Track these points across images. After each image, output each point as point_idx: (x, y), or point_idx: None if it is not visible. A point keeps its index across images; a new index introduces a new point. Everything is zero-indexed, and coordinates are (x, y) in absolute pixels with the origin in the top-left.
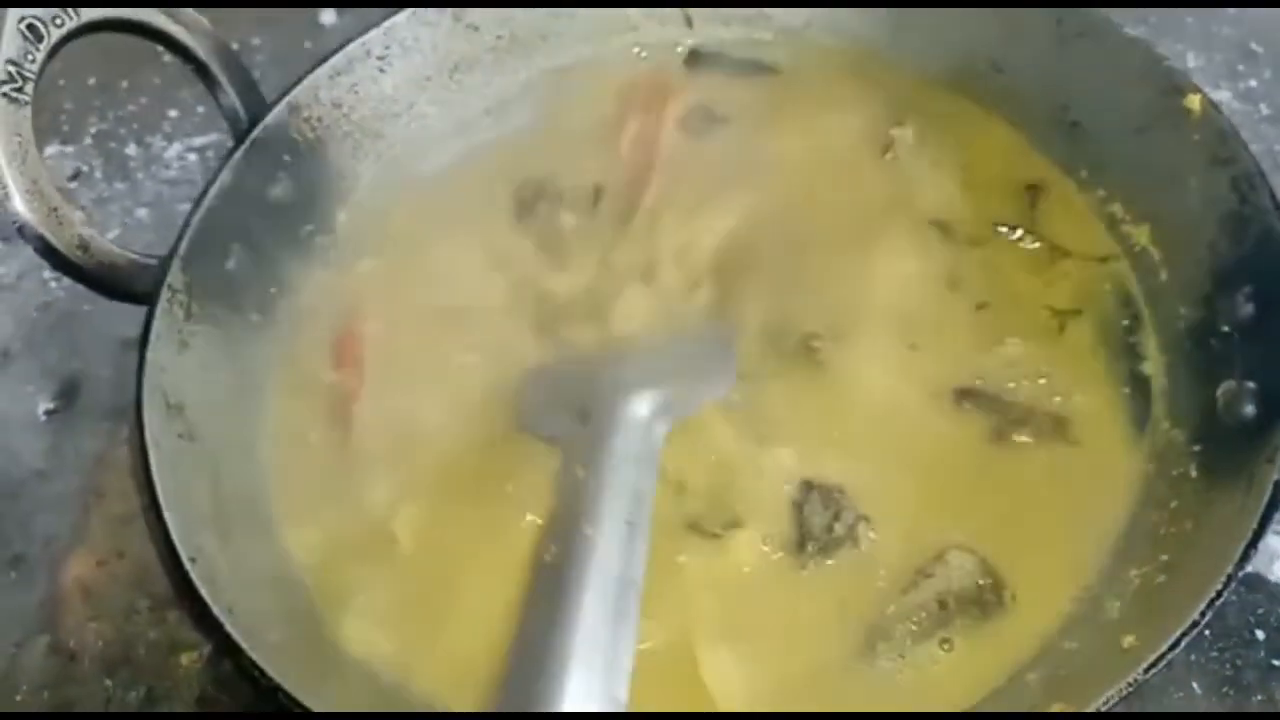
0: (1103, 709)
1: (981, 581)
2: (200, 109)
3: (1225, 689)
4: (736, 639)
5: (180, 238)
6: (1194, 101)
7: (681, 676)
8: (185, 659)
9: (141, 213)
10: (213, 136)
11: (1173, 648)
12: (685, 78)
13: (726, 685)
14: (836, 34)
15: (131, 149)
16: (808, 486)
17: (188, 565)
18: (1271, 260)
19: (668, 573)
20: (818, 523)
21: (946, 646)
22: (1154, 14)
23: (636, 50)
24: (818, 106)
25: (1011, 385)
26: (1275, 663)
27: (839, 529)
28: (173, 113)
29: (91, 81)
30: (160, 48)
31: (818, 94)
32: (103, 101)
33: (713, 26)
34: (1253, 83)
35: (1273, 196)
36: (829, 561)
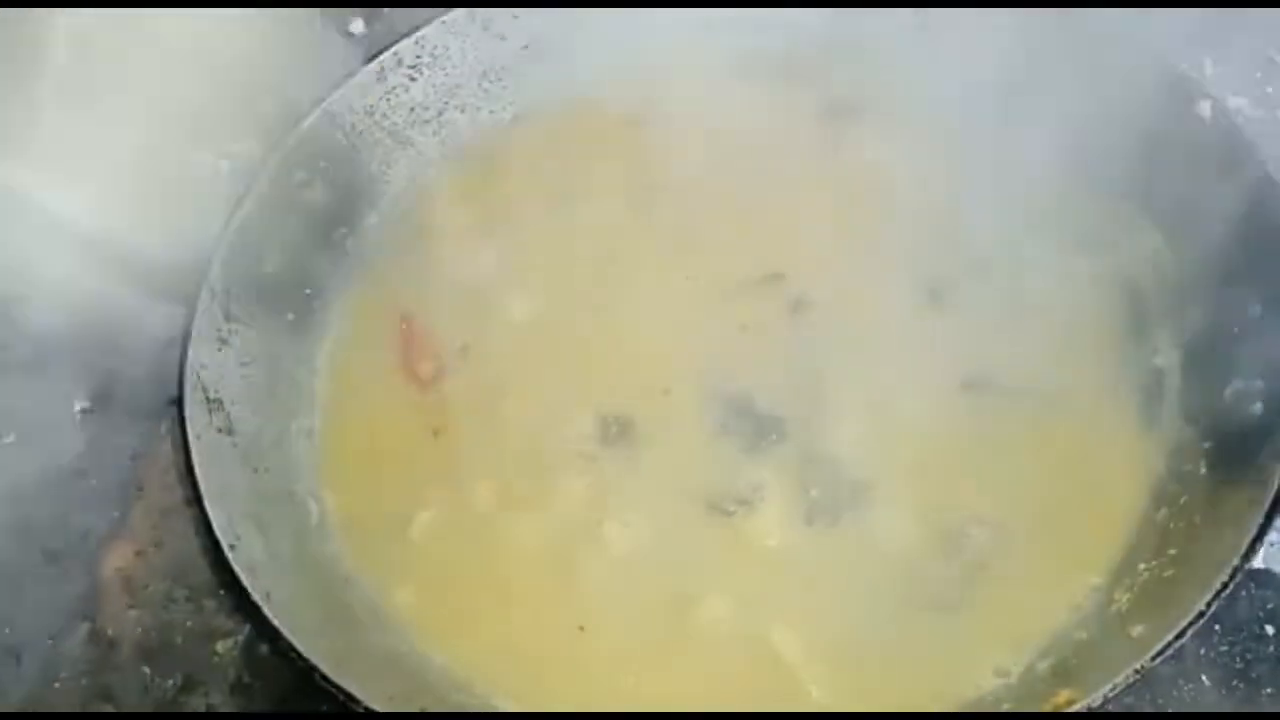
0: (1110, 696)
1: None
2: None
3: (1235, 682)
4: (794, 610)
5: (220, 240)
6: (1205, 108)
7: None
8: (221, 646)
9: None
10: (246, 144)
11: (1179, 636)
12: None
13: (799, 654)
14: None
15: None
16: (808, 463)
17: (228, 552)
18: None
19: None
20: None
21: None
22: (1170, 22)
23: (655, 62)
24: None
25: (1021, 374)
26: None
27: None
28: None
29: None
30: None
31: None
32: None
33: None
34: (1269, 89)
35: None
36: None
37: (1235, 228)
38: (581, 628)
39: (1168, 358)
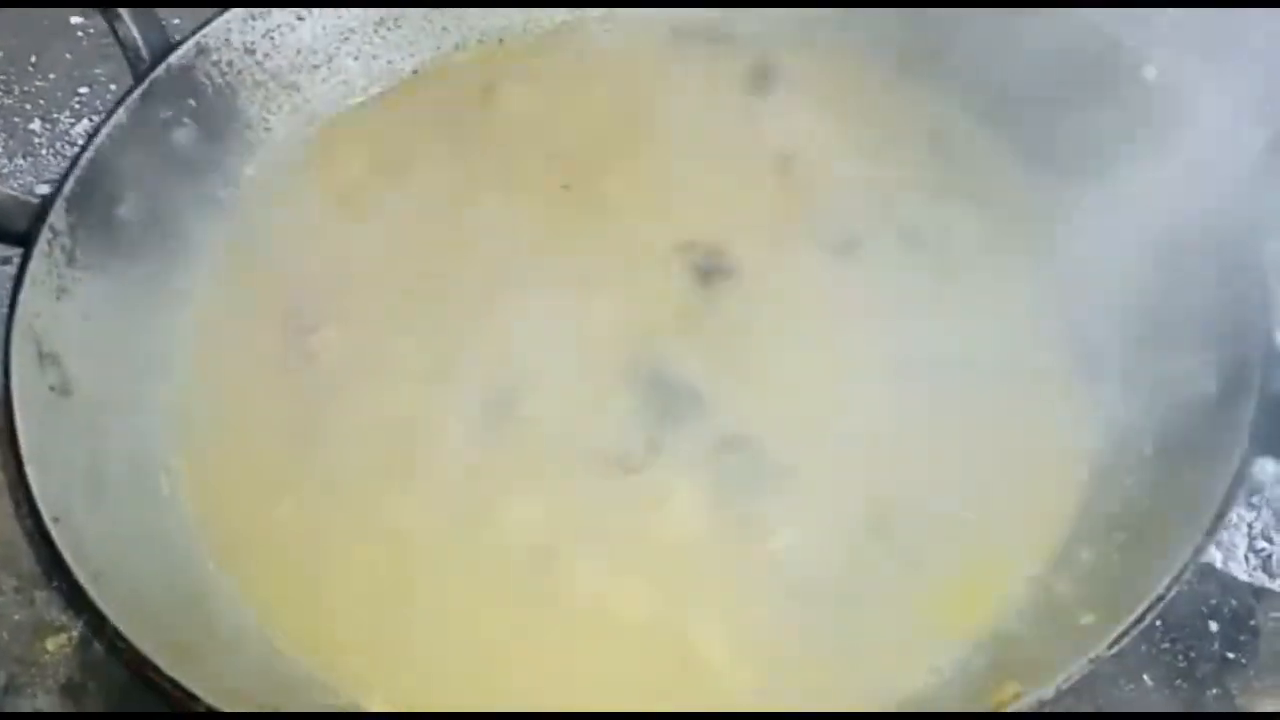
0: (1062, 687)
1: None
2: (113, 87)
3: (1178, 682)
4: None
5: (66, 176)
6: (1148, 73)
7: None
8: (52, 644)
9: (43, 190)
10: None
11: (1138, 622)
12: None
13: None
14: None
15: (36, 125)
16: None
17: (50, 525)
18: (1232, 231)
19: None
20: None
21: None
22: None
23: (569, 16)
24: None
25: (951, 353)
26: (1230, 655)
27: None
28: (84, 90)
29: None
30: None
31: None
32: (9, 76)
33: None
34: None
35: (1232, 166)
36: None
37: (1183, 197)
38: (470, 624)
39: (1109, 333)
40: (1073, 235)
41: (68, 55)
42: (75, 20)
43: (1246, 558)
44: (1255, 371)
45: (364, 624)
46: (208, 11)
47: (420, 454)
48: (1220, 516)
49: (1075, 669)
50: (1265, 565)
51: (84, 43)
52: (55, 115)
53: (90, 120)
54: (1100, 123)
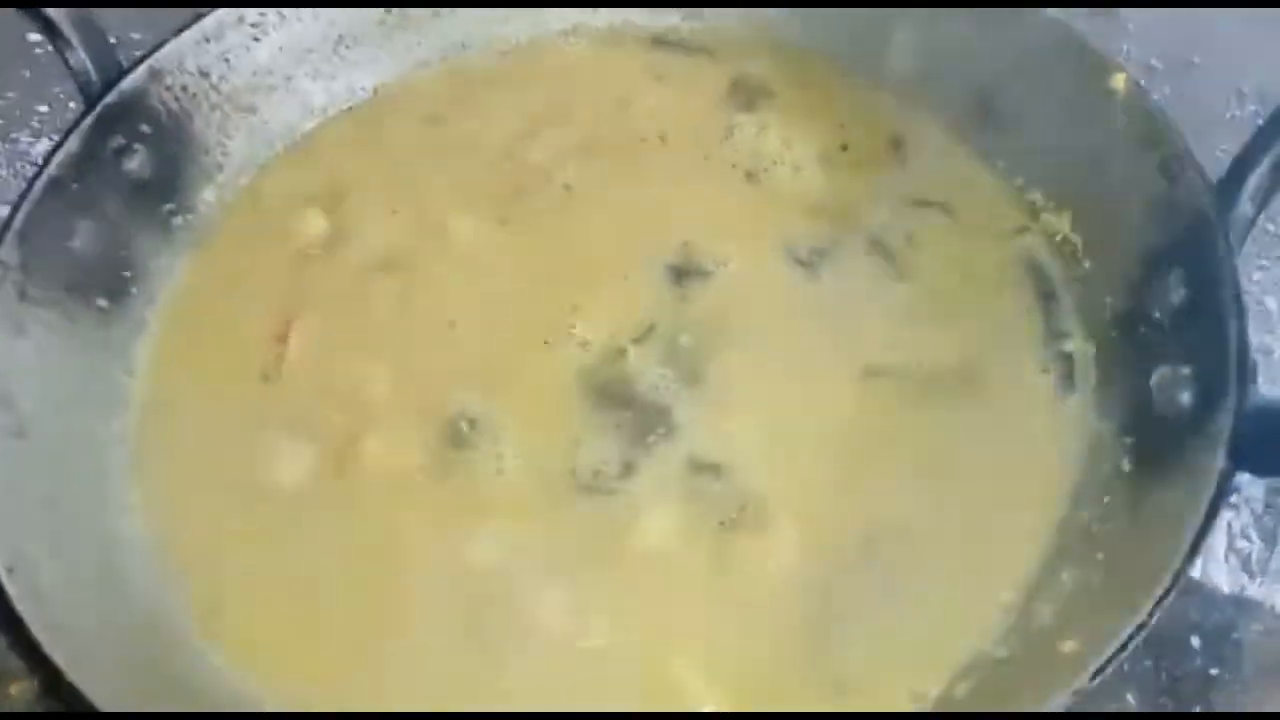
0: None
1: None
2: (72, 105)
3: (1162, 699)
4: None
5: (16, 209)
6: (1119, 81)
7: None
8: (15, 689)
9: (3, 211)
10: None
11: (1121, 649)
12: None
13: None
14: (744, 19)
15: None
16: (697, 467)
17: (3, 575)
18: (1204, 243)
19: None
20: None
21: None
22: None
23: (534, 32)
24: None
25: (921, 368)
26: (1214, 671)
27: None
28: (43, 108)
29: None
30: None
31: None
32: None
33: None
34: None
35: (1203, 176)
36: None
37: (1153, 208)
38: (439, 656)
39: (1081, 347)
40: (1043, 246)
41: (25, 73)
42: (33, 38)
43: (1227, 557)
44: (1231, 385)
45: (331, 661)
46: (165, 32)
47: (384, 479)
48: (1202, 535)
49: (1059, 702)
50: (1245, 565)
51: (42, 60)
52: (14, 135)
53: (49, 139)
54: (1070, 130)
